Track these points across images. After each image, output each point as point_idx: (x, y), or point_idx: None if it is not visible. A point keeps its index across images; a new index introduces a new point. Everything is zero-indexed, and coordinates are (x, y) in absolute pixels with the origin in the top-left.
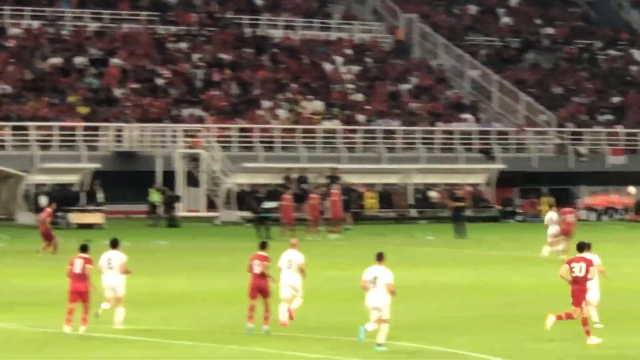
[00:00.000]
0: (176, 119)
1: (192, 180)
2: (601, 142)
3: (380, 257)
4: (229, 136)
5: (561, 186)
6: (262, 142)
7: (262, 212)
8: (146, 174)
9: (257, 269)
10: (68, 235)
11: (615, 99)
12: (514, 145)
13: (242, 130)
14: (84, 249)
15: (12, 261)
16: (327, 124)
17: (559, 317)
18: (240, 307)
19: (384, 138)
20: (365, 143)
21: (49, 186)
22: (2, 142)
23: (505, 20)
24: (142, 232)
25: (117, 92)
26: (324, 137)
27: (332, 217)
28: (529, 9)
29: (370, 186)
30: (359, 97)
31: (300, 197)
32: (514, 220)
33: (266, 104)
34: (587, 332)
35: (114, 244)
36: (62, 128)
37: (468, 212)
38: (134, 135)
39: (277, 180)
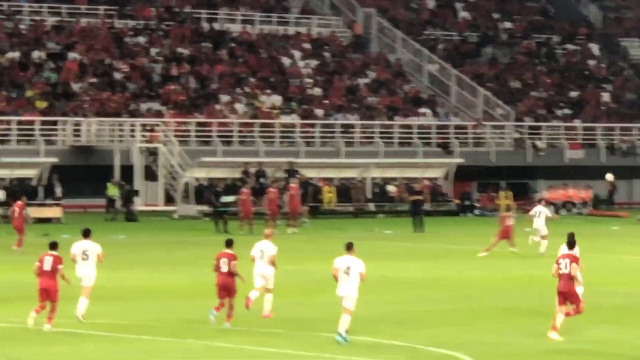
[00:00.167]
0: (134, 114)
1: (150, 175)
2: (559, 136)
3: (349, 247)
4: (187, 130)
5: (519, 180)
6: (220, 136)
7: (220, 206)
8: (104, 168)
9: (225, 268)
10: (26, 229)
11: (573, 94)
12: (472, 139)
13: (200, 124)
14: (53, 246)
15: None
16: (285, 119)
17: (556, 324)
18: (199, 301)
19: (342, 132)
20: (323, 137)
21: (7, 180)
22: None
23: (463, 14)
24: (100, 226)
25: (75, 86)
26: (282, 132)
27: (291, 212)
28: (487, 3)
29: (328, 180)
30: (317, 91)
31: (259, 191)
32: (472, 215)
33: (224, 98)
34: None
35: (86, 234)
36: (20, 122)
37: (426, 206)
38: (92, 130)
39: (235, 174)
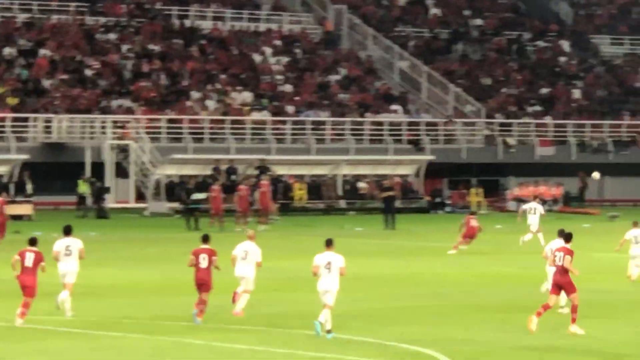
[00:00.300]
0: (105, 110)
1: (121, 172)
2: (530, 133)
3: (329, 243)
4: (158, 127)
5: (490, 177)
6: (191, 133)
7: (191, 203)
8: (75, 165)
9: (204, 264)
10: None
11: (544, 90)
12: (442, 136)
13: (171, 121)
14: (33, 242)
15: None
16: (256, 115)
17: (573, 318)
18: (169, 298)
19: (313, 129)
20: (294, 134)
21: None
22: None
23: (434, 11)
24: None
25: (46, 83)
26: (253, 128)
27: (261, 209)
28: (457, 0)
29: (299, 177)
30: (288, 88)
31: (229, 189)
32: (443, 212)
33: (195, 95)
34: (538, 314)
35: (68, 231)
36: None
37: (397, 203)
38: (63, 127)
39: (206, 171)
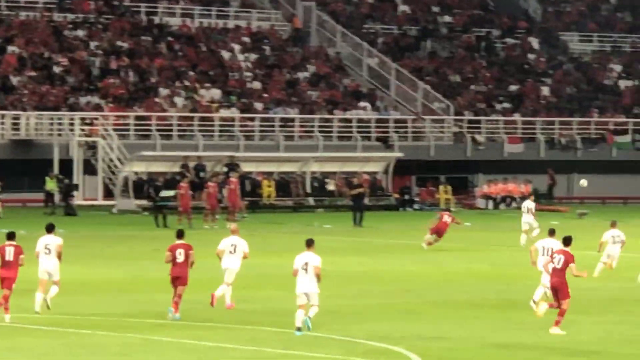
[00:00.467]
0: (73, 107)
1: (90, 169)
2: (499, 130)
3: (309, 243)
4: (127, 124)
5: (459, 174)
6: (159, 130)
7: (159, 200)
8: (43, 162)
9: (181, 259)
10: None
11: (513, 87)
12: (411, 133)
13: (139, 118)
14: (11, 236)
15: None
16: (225, 112)
17: (551, 305)
18: (138, 295)
19: (282, 126)
20: (262, 131)
21: None
22: None
23: (403, 8)
24: (39, 221)
25: (14, 79)
26: (222, 125)
27: (230, 206)
28: None
29: (267, 174)
30: (256, 85)
31: (198, 186)
32: (412, 209)
33: (164, 92)
34: (551, 305)
35: (50, 229)
36: None
37: (365, 201)
38: (31, 123)
39: (175, 168)
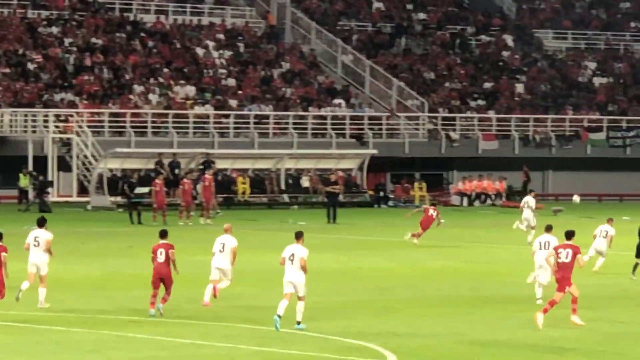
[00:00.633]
0: (48, 104)
1: (64, 165)
2: (473, 127)
3: (298, 236)
4: (101, 121)
5: (433, 171)
6: (133, 127)
7: (134, 197)
8: (18, 159)
9: (162, 258)
10: None
11: (487, 85)
12: (386, 130)
13: (113, 115)
14: None
15: None
16: (199, 109)
17: (546, 311)
18: (112, 292)
19: (256, 123)
20: (237, 128)
21: None
22: None
23: (377, 5)
24: (13, 218)
25: None
26: (196, 122)
27: (204, 202)
28: None
29: (242, 171)
30: (231, 82)
31: (173, 182)
32: (386, 206)
33: (138, 88)
34: (545, 310)
35: (41, 223)
36: None
37: (340, 198)
38: (5, 120)
39: (149, 165)
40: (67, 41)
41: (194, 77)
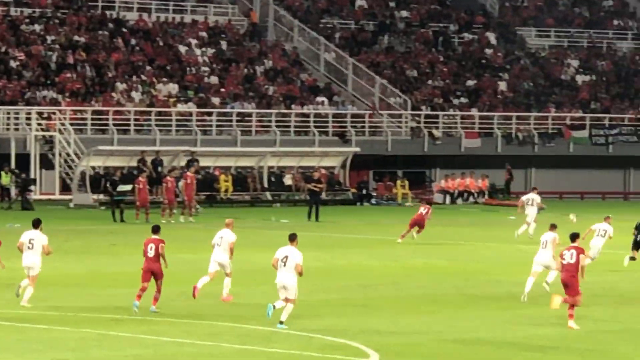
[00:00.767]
0: (30, 102)
1: (47, 163)
2: (456, 125)
3: (292, 238)
4: (84, 119)
5: (416, 169)
6: (116, 124)
7: (116, 195)
8: (0, 157)
9: (152, 253)
10: None
11: (470, 82)
12: (368, 128)
13: (96, 112)
14: None
15: None
16: (182, 107)
17: (566, 300)
18: (95, 290)
19: (239, 121)
20: (219, 126)
21: None
22: None
23: (360, 3)
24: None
25: None
26: (179, 120)
27: (187, 200)
28: None
29: (224, 169)
30: (213, 79)
31: (156, 180)
32: (369, 204)
33: (120, 86)
34: (570, 316)
35: (36, 224)
36: None
37: (322, 195)
38: None
39: (132, 163)
40: (49, 39)
41: (177, 75)
